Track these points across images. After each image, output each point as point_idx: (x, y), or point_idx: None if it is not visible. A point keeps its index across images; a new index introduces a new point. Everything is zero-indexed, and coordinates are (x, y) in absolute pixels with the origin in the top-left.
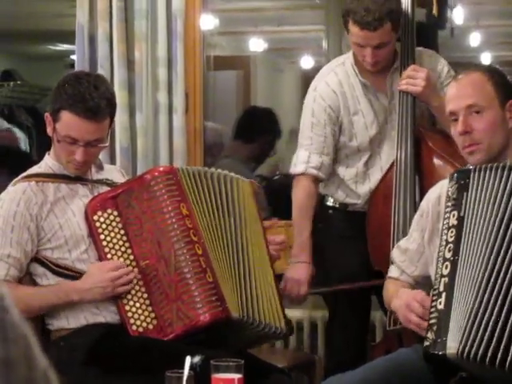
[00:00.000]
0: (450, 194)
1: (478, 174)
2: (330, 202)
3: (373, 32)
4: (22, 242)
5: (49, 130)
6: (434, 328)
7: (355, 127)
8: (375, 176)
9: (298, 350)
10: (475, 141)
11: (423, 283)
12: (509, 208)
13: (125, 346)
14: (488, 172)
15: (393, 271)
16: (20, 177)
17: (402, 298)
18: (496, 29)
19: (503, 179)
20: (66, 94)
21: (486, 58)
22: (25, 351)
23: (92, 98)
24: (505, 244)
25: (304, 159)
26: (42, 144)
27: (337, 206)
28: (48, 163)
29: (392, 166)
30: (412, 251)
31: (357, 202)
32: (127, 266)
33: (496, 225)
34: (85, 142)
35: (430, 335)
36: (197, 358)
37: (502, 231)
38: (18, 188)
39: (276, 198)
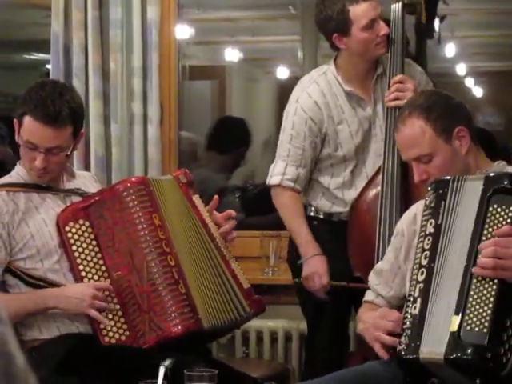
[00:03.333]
0: (427, 202)
1: (457, 183)
2: (312, 213)
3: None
4: None
5: (16, 137)
6: (408, 333)
7: (340, 137)
8: (361, 183)
9: (272, 360)
10: None
11: (397, 305)
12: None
13: (97, 355)
14: (466, 182)
15: (368, 295)
16: None
17: (368, 320)
18: (471, 40)
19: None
20: (30, 99)
21: (461, 69)
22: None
23: (53, 104)
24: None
25: (280, 171)
26: (17, 153)
27: (321, 216)
28: (19, 172)
29: (376, 174)
30: (386, 271)
31: (343, 210)
32: (99, 277)
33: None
34: (45, 149)
35: (403, 340)
36: (168, 361)
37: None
38: None
39: (250, 208)
